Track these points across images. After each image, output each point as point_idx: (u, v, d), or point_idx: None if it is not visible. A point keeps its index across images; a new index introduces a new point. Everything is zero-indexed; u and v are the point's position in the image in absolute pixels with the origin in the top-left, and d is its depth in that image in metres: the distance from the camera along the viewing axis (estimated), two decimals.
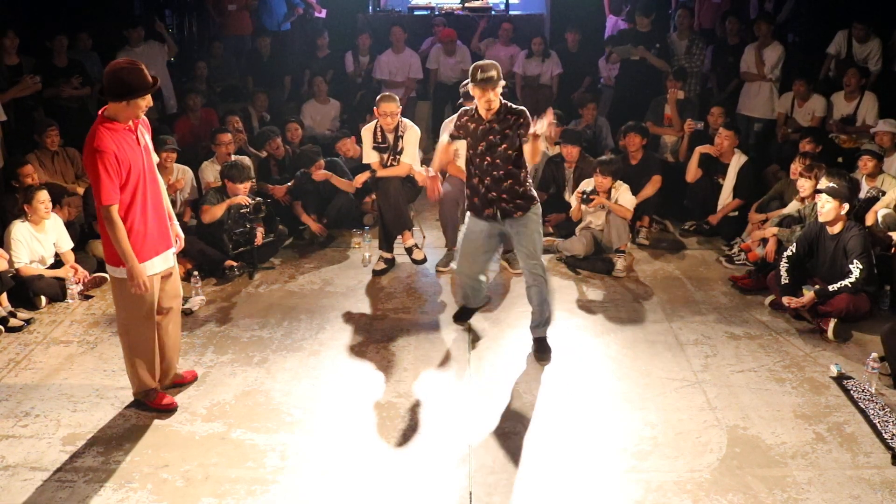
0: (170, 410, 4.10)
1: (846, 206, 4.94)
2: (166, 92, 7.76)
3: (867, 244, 4.89)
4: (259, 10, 9.58)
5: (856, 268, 4.79)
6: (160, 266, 3.96)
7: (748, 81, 7.62)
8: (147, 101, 3.75)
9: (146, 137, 3.91)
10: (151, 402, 4.12)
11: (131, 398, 4.19)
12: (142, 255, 3.82)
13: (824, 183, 5.04)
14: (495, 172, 4.36)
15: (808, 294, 4.90)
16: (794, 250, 5.11)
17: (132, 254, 3.74)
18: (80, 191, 6.22)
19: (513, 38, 8.99)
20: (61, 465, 3.68)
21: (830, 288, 4.83)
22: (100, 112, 3.75)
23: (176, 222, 4.18)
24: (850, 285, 4.79)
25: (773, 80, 7.44)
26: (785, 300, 4.97)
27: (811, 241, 5.11)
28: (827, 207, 4.93)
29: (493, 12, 10.21)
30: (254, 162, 6.79)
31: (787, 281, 5.05)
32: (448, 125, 5.96)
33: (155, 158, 4.01)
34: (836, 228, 4.98)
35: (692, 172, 6.68)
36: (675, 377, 4.46)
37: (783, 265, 5.10)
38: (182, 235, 4.24)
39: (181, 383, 4.38)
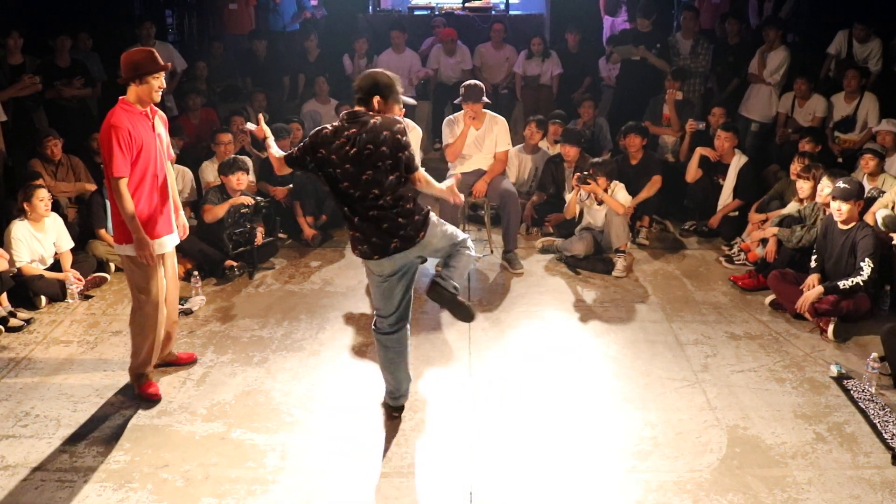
0: (152, 401, 4.16)
1: (862, 203, 4.96)
2: (166, 95, 7.75)
3: (878, 245, 4.88)
4: (264, 11, 9.56)
5: (867, 265, 4.77)
6: (159, 250, 4.10)
7: (752, 83, 7.63)
8: (160, 83, 3.96)
9: (161, 129, 4.10)
10: (139, 387, 4.22)
11: (131, 398, 4.20)
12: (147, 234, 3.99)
13: (830, 186, 5.06)
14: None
15: (817, 288, 4.88)
16: (815, 260, 5.17)
17: (139, 224, 3.91)
18: (91, 187, 6.21)
19: (512, 39, 8.98)
20: (61, 465, 3.68)
21: (841, 284, 4.82)
22: (120, 98, 3.96)
23: (182, 213, 4.38)
24: (861, 283, 4.77)
25: (772, 84, 7.45)
26: (801, 303, 4.92)
27: (823, 234, 5.15)
28: (844, 209, 4.92)
29: (493, 12, 10.20)
30: (255, 162, 6.79)
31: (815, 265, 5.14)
32: (450, 123, 6.00)
33: (169, 153, 4.19)
34: (848, 225, 4.98)
35: (692, 172, 6.68)
36: (675, 377, 4.46)
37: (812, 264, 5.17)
38: (187, 226, 4.43)
39: (177, 363, 4.51)
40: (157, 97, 4.00)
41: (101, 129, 3.91)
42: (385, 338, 3.89)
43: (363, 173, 3.57)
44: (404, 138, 3.62)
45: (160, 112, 4.12)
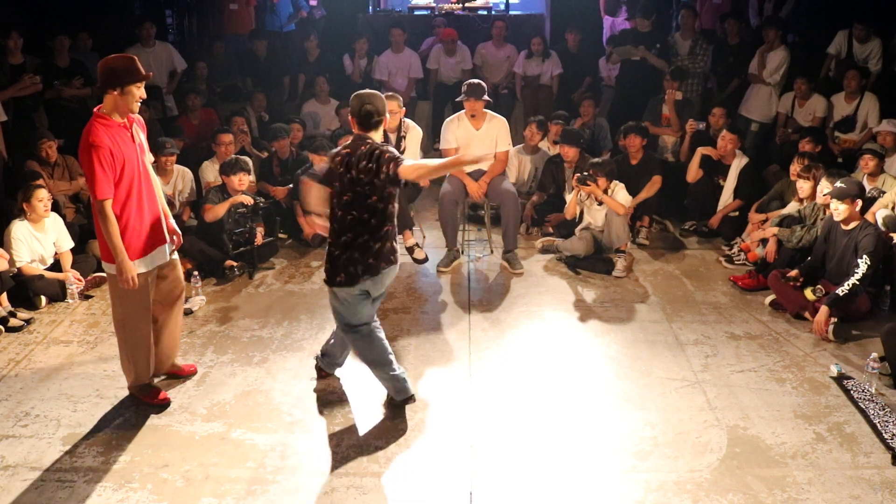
0: (163, 406, 4.12)
1: (860, 203, 4.95)
2: (166, 95, 7.76)
3: (879, 244, 4.88)
4: (262, 11, 9.56)
5: (864, 262, 4.77)
6: (154, 263, 4.00)
7: (752, 83, 7.63)
8: (141, 93, 3.77)
9: (141, 136, 3.93)
10: (145, 397, 4.15)
11: (132, 398, 4.19)
12: (136, 252, 3.86)
13: (829, 187, 5.05)
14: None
15: (823, 309, 4.83)
16: (808, 261, 5.17)
17: (122, 249, 3.77)
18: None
19: (512, 39, 8.99)
20: (61, 465, 3.68)
21: (840, 292, 4.80)
22: (95, 109, 3.79)
23: (172, 220, 4.21)
24: (858, 282, 4.76)
25: (772, 84, 7.45)
26: (815, 328, 4.87)
27: (825, 236, 5.14)
28: (841, 209, 4.92)
29: (493, 12, 10.21)
30: (255, 162, 6.79)
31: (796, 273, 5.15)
32: (449, 125, 6.01)
33: (150, 157, 4.02)
34: (850, 225, 4.98)
35: (693, 172, 6.68)
36: (675, 377, 4.46)
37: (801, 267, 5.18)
38: (179, 233, 4.27)
39: (179, 374, 4.42)
40: (137, 108, 3.80)
41: (80, 148, 3.68)
42: (363, 334, 3.97)
43: (344, 194, 3.72)
44: (384, 159, 3.64)
45: (138, 118, 3.92)
